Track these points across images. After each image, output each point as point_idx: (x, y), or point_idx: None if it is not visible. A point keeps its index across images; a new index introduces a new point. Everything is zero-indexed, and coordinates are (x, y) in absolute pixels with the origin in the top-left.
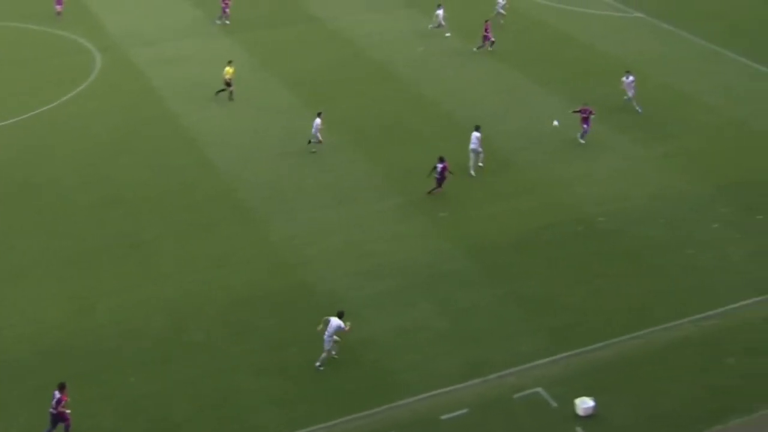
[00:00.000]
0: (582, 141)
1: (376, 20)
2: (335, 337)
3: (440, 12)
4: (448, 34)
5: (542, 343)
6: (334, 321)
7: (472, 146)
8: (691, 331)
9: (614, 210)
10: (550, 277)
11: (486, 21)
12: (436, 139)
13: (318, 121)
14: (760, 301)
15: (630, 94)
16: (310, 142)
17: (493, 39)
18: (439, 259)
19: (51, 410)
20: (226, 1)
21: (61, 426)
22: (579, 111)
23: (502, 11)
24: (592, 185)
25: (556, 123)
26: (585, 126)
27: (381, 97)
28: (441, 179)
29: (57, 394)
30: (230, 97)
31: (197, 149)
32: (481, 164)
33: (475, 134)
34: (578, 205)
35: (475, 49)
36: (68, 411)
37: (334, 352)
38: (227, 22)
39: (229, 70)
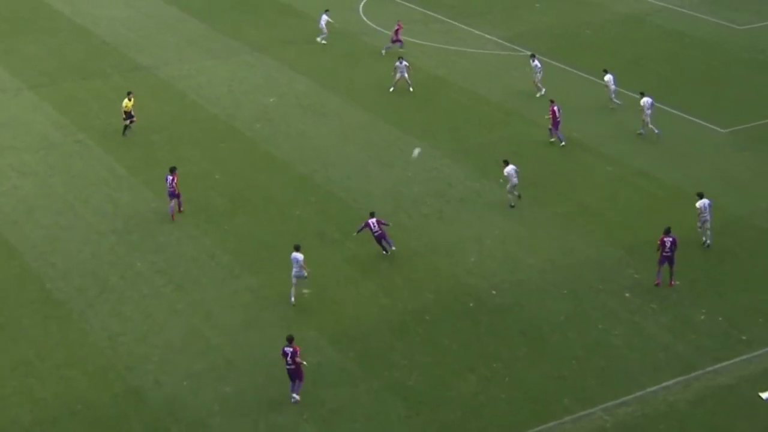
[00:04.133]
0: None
1: (217, 68)
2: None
3: (325, 16)
4: (323, 41)
5: None
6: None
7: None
8: (604, 421)
9: (509, 281)
10: (437, 363)
11: (398, 21)
12: (291, 205)
13: None
14: (683, 381)
15: (646, 118)
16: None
17: (398, 42)
18: (301, 350)
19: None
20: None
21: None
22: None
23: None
24: (483, 252)
25: (417, 152)
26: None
27: (224, 157)
28: (379, 237)
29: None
30: (125, 132)
31: None
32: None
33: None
34: (466, 276)
35: (383, 52)
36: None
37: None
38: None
39: (128, 103)
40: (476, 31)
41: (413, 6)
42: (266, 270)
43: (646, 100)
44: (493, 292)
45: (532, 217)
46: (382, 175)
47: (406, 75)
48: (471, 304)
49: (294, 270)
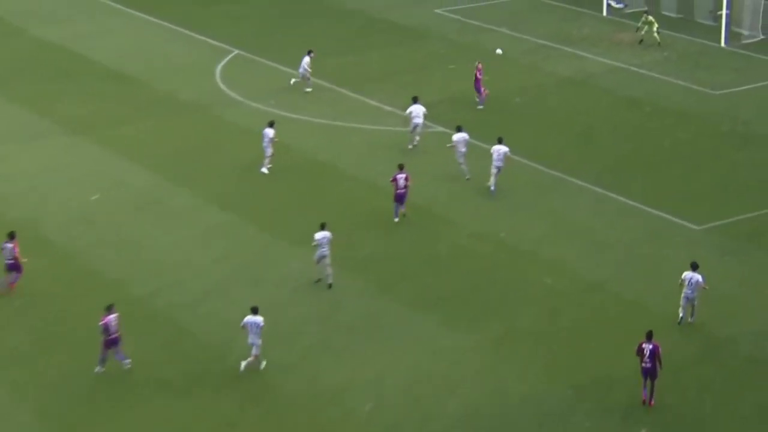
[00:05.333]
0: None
1: (17, 155)
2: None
3: (307, 59)
4: (308, 89)
5: None
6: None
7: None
8: None
9: None
10: None
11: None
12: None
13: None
14: None
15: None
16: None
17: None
18: None
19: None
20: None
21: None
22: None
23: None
24: (383, 397)
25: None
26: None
27: (26, 275)
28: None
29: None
30: None
31: None
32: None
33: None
34: (361, 430)
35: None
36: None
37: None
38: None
39: None
40: (372, 101)
41: (286, 68)
42: None
43: (460, 137)
44: None
45: (448, 345)
46: (248, 295)
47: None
48: None
49: (251, 338)
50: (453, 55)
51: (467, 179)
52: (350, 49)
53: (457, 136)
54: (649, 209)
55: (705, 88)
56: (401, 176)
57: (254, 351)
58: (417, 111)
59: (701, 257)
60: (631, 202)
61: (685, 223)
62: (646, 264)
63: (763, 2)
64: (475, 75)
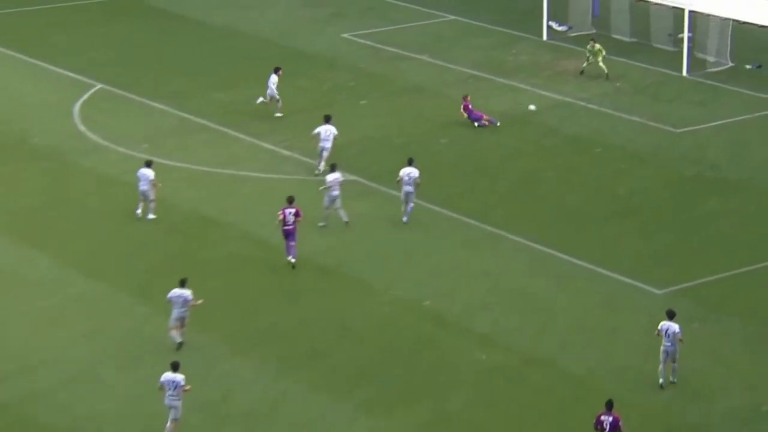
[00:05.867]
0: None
1: None
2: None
3: (275, 77)
4: (278, 114)
5: None
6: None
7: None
8: None
9: None
10: None
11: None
12: None
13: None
14: None
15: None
16: None
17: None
18: None
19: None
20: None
21: None
22: None
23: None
24: None
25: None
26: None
27: None
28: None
29: None
30: None
31: None
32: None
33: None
34: None
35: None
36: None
37: None
38: None
39: None
40: (266, 144)
41: (161, 105)
42: None
43: (334, 178)
44: None
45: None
46: (120, 381)
47: None
48: None
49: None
50: (364, 88)
51: (343, 223)
52: (240, 81)
53: (332, 177)
54: (601, 270)
55: (665, 126)
56: (290, 210)
57: (172, 415)
58: (326, 133)
59: None
60: (579, 262)
61: (644, 286)
62: (599, 335)
63: (731, 23)
64: (465, 107)
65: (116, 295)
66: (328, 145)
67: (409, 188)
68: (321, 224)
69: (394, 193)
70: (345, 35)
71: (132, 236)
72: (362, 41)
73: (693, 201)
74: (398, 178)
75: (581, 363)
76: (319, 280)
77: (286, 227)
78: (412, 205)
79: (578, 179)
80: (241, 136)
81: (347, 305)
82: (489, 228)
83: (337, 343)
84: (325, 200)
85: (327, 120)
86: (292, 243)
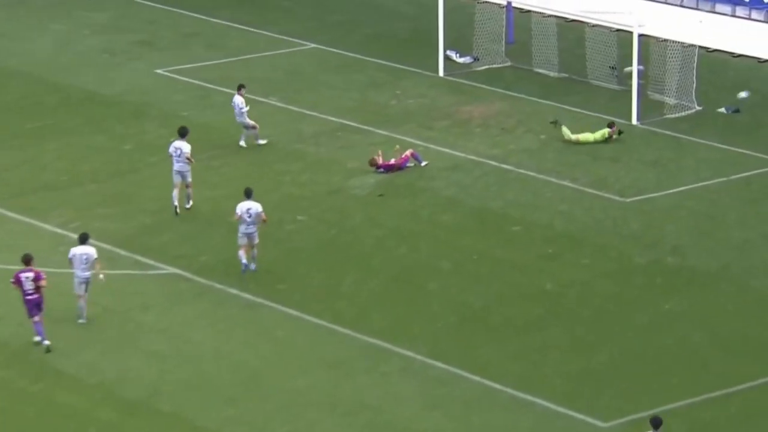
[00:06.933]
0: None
1: None
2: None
3: (239, 98)
4: (262, 141)
5: None
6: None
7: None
8: None
9: None
10: None
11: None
12: None
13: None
14: None
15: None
16: None
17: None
18: None
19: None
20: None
21: None
22: None
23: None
24: None
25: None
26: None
27: None
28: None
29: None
30: None
31: None
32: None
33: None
34: None
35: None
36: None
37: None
38: None
39: None
40: (47, 226)
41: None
42: None
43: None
44: None
45: None
46: None
47: None
48: None
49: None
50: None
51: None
52: (13, 140)
53: (81, 251)
54: (524, 395)
55: (608, 194)
56: (26, 275)
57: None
58: (178, 149)
59: None
60: (491, 384)
61: (585, 417)
62: None
63: (697, 52)
64: (399, 162)
65: None
66: (185, 169)
67: (251, 228)
68: (81, 321)
69: (232, 290)
70: (159, 71)
71: None
72: (184, 79)
73: (648, 299)
74: (236, 216)
75: None
76: (124, 417)
77: (27, 296)
78: (255, 251)
79: (487, 273)
80: (14, 215)
81: None
82: (365, 339)
83: None
84: (76, 286)
85: (182, 134)
86: (39, 319)
